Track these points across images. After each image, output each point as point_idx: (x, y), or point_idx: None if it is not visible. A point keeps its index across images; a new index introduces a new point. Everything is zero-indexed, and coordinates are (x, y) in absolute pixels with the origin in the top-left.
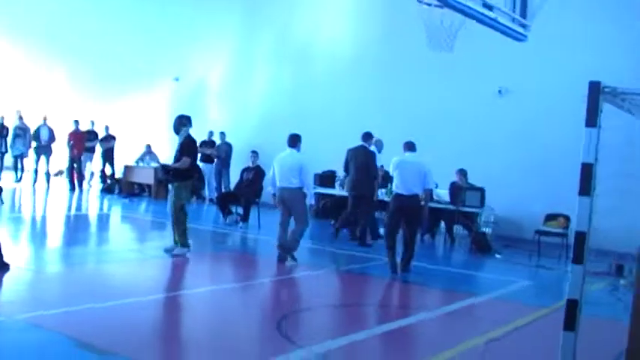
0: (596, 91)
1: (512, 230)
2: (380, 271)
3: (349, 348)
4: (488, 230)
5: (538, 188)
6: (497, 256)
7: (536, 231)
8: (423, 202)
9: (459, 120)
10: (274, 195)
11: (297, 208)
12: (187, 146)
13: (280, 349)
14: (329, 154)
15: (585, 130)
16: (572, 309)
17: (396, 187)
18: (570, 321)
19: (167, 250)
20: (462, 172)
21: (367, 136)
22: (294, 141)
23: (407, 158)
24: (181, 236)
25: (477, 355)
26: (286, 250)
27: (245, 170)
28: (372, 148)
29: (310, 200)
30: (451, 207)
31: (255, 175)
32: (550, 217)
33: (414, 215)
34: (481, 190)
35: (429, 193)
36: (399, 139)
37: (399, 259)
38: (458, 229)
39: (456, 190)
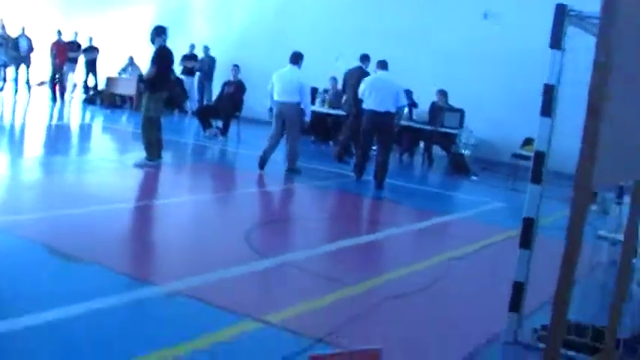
0: (561, 14)
1: (491, 153)
2: (356, 187)
3: (314, 259)
4: (466, 152)
5: (518, 112)
6: (474, 177)
7: (514, 154)
8: (396, 120)
9: (442, 42)
10: (270, 109)
11: (292, 122)
12: (156, 56)
13: (245, 259)
14: (311, 70)
15: (550, 52)
16: (528, 227)
17: (367, 104)
18: (526, 239)
19: (136, 164)
20: (442, 93)
21: (364, 58)
22: (297, 58)
23: (380, 76)
24: (146, 148)
25: (438, 271)
26: (290, 167)
27: (226, 84)
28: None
29: (307, 117)
30: (430, 127)
31: (235, 89)
32: (528, 142)
33: (388, 132)
34: (460, 112)
35: (402, 111)
36: (380, 58)
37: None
38: (436, 149)
39: (435, 110)
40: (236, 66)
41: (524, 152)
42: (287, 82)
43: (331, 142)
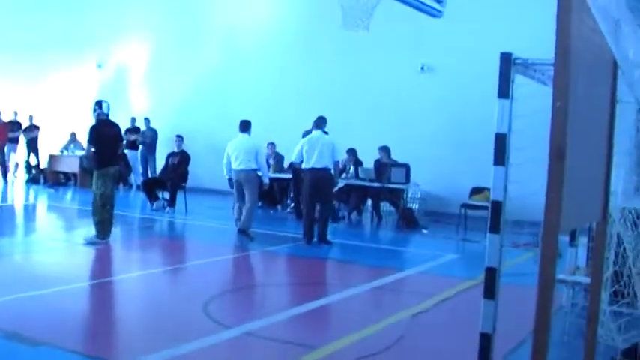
0: (507, 63)
1: (439, 205)
2: (308, 250)
3: (275, 326)
4: (415, 206)
5: (463, 163)
6: (424, 231)
7: (462, 205)
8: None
9: (382, 98)
10: (230, 180)
11: (251, 188)
12: (90, 133)
13: (205, 331)
14: (254, 133)
15: (498, 101)
16: (491, 277)
17: (306, 163)
18: (490, 289)
19: (87, 242)
20: (385, 150)
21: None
22: (246, 126)
23: (314, 135)
24: (96, 225)
25: (402, 327)
26: (244, 229)
27: (170, 155)
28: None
29: (265, 179)
30: (377, 184)
31: (180, 160)
32: (475, 191)
33: (328, 187)
34: (406, 167)
35: (338, 165)
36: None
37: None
38: (385, 206)
39: (380, 167)
40: (179, 137)
41: (473, 202)
42: (242, 150)
43: (279, 207)
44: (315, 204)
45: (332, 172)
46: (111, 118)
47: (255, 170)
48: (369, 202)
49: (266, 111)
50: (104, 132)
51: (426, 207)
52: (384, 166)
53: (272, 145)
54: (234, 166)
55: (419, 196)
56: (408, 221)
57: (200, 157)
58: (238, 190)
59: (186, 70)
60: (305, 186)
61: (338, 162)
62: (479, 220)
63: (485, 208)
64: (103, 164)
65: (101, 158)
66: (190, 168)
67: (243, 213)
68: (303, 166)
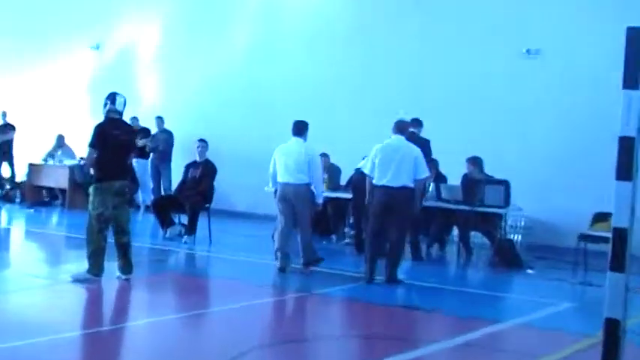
0: (637, 40)
1: (549, 237)
2: (373, 293)
3: None
4: (516, 237)
5: (582, 180)
6: (529, 271)
7: (581, 236)
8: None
9: (470, 95)
10: (275, 191)
11: (302, 209)
12: (93, 135)
13: None
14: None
15: (624, 94)
16: (612, 332)
17: (377, 179)
18: (610, 348)
19: (75, 279)
20: (475, 161)
21: (415, 123)
22: (301, 129)
23: (392, 142)
24: (89, 258)
25: None
26: (309, 260)
27: (190, 166)
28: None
29: (319, 200)
30: (465, 207)
31: (203, 172)
32: (599, 218)
33: (404, 211)
34: (504, 184)
35: (422, 184)
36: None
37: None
38: (476, 236)
39: (470, 184)
40: (203, 141)
41: (595, 232)
42: (293, 159)
43: (334, 236)
44: (382, 233)
45: (413, 191)
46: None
47: (308, 185)
48: (455, 230)
49: (313, 112)
50: (113, 134)
51: (532, 239)
52: (475, 183)
53: (325, 156)
54: (281, 178)
55: (522, 224)
56: (507, 257)
57: (229, 169)
58: (285, 210)
59: (210, 56)
60: (373, 209)
61: (423, 180)
62: (603, 257)
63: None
64: (105, 176)
65: (104, 168)
66: (216, 183)
67: (300, 245)
68: (375, 182)
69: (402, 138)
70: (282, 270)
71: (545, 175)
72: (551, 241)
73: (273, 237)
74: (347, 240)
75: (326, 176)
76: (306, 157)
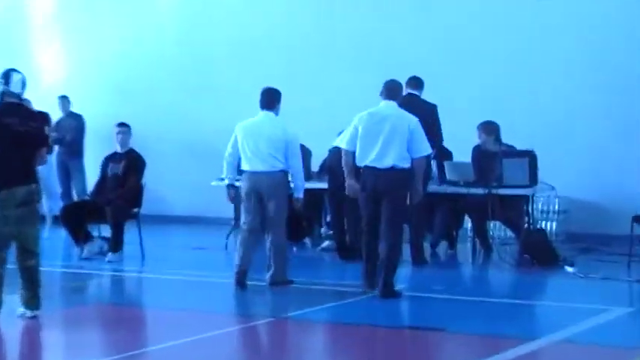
0: None
1: (593, 222)
2: (363, 313)
3: None
4: (549, 226)
5: (636, 147)
6: (569, 269)
7: (636, 217)
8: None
9: (481, 47)
10: (231, 187)
11: (277, 205)
12: None
13: None
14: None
15: None
16: None
17: (361, 159)
18: None
19: None
20: (490, 128)
21: (414, 82)
22: (272, 99)
23: (380, 109)
24: None
25: None
26: (276, 279)
27: (109, 159)
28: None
29: (299, 193)
30: (478, 190)
31: (127, 167)
32: None
33: (394, 202)
34: (529, 156)
35: (423, 164)
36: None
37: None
38: (496, 227)
39: (483, 159)
40: (124, 125)
41: None
42: (264, 138)
43: (308, 240)
44: (376, 225)
45: (408, 174)
46: None
47: (285, 173)
48: (467, 222)
49: (271, 81)
50: (5, 124)
51: (570, 226)
52: (491, 156)
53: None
54: (248, 164)
55: (555, 207)
56: (539, 252)
57: (162, 160)
58: (252, 208)
59: (131, 14)
60: (360, 199)
61: (423, 158)
62: None
63: None
64: (3, 182)
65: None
66: (146, 180)
67: (270, 254)
68: (358, 162)
69: (392, 104)
70: (239, 285)
71: (585, 144)
72: (596, 228)
73: (226, 246)
74: (326, 243)
75: None
76: (282, 137)
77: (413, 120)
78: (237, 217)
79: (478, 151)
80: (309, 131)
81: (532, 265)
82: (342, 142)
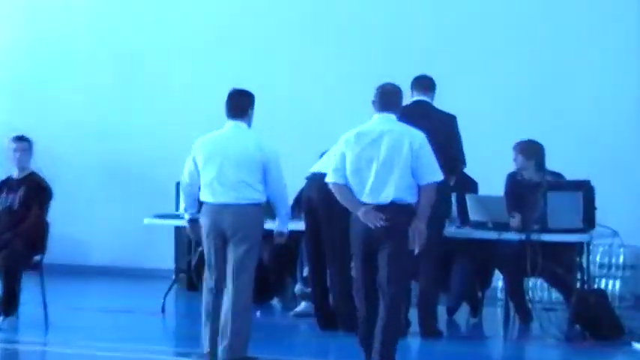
0: None
1: None
2: None
3: None
4: (611, 285)
5: None
6: (638, 346)
7: None
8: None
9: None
10: (193, 222)
11: (247, 250)
12: None
13: None
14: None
15: None
16: None
17: (357, 191)
18: None
19: None
20: (530, 150)
21: (425, 85)
22: (244, 105)
23: (372, 126)
24: None
25: None
26: (235, 355)
27: (2, 186)
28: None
29: (283, 227)
30: (514, 235)
31: (27, 197)
32: None
33: (399, 248)
34: (584, 189)
35: (432, 192)
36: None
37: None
38: (537, 286)
39: (522, 192)
40: (22, 140)
41: None
42: (232, 159)
43: (276, 300)
44: (373, 281)
45: (412, 210)
46: None
47: (258, 206)
48: (499, 279)
49: (227, 82)
50: None
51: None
52: (531, 188)
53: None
54: (210, 195)
55: (620, 260)
56: (596, 322)
57: (75, 189)
58: (217, 253)
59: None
60: (353, 246)
61: (432, 186)
62: None
63: None
64: None
65: None
66: (53, 217)
67: (226, 317)
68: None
69: (390, 117)
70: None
71: None
72: None
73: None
74: (301, 306)
75: None
76: (258, 156)
77: (418, 136)
78: (179, 269)
79: (513, 181)
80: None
81: (585, 339)
82: (329, 175)
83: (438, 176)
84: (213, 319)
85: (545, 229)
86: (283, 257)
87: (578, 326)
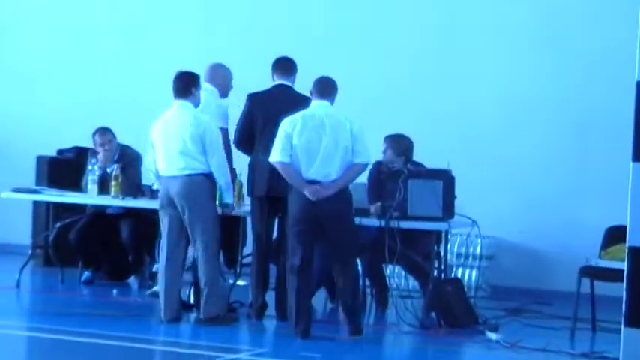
0: None
1: (526, 274)
2: None
3: None
4: (467, 275)
5: (585, 177)
6: (492, 335)
7: (584, 269)
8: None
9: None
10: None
11: (197, 212)
12: None
13: None
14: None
15: None
16: None
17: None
18: None
19: None
20: (400, 145)
21: (285, 67)
22: (186, 85)
23: (314, 110)
24: None
25: None
26: (218, 312)
27: None
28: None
29: (227, 198)
30: (373, 221)
31: None
32: (613, 237)
33: (343, 227)
34: (444, 178)
35: (359, 171)
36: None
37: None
38: (395, 273)
39: (383, 180)
40: None
41: (608, 263)
42: (176, 135)
43: (132, 277)
44: (310, 260)
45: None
46: None
47: (205, 177)
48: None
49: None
50: None
51: (496, 277)
52: (393, 177)
53: None
54: (161, 169)
55: (478, 250)
56: (451, 310)
57: None
58: (171, 224)
59: None
60: (294, 219)
61: (364, 165)
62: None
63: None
64: None
65: None
66: None
67: (200, 278)
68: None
69: (326, 103)
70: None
71: (519, 163)
72: (531, 281)
73: (20, 284)
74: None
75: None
76: (195, 130)
77: (356, 121)
78: (36, 244)
79: (377, 170)
80: (135, 131)
81: (440, 327)
82: (275, 155)
83: (369, 158)
84: (165, 283)
85: (405, 217)
86: (143, 236)
87: (433, 314)
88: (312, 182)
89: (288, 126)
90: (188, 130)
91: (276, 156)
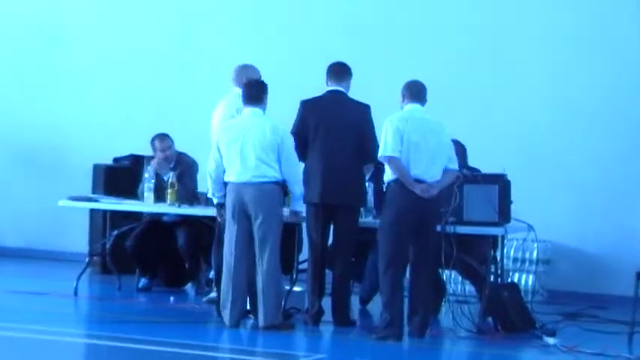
0: None
1: (583, 278)
2: None
3: None
4: (524, 280)
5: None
6: (549, 340)
7: None
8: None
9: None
10: (219, 206)
11: (269, 220)
12: None
13: None
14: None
15: None
16: None
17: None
18: None
19: None
20: (455, 150)
21: (339, 72)
22: (259, 92)
23: (415, 112)
24: None
25: None
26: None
27: None
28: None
29: (298, 206)
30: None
31: None
32: None
33: (434, 229)
34: (500, 183)
35: (454, 175)
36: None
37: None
38: (451, 278)
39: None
40: None
41: None
42: (254, 142)
43: (189, 284)
44: (404, 270)
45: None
46: None
47: (277, 185)
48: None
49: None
50: None
51: (553, 282)
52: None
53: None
54: (233, 175)
55: (534, 255)
56: (507, 315)
57: None
58: (239, 231)
59: None
60: (389, 223)
61: (457, 172)
62: None
63: None
64: None
65: None
66: None
67: (259, 287)
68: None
69: (421, 108)
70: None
71: (576, 170)
72: (588, 286)
73: (77, 292)
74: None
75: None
76: (273, 139)
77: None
78: (93, 252)
79: None
80: (192, 138)
81: (497, 332)
82: (385, 149)
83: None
84: (230, 291)
85: (461, 222)
86: (199, 243)
87: (490, 319)
88: (417, 181)
89: (399, 122)
90: (267, 138)
91: (387, 150)
